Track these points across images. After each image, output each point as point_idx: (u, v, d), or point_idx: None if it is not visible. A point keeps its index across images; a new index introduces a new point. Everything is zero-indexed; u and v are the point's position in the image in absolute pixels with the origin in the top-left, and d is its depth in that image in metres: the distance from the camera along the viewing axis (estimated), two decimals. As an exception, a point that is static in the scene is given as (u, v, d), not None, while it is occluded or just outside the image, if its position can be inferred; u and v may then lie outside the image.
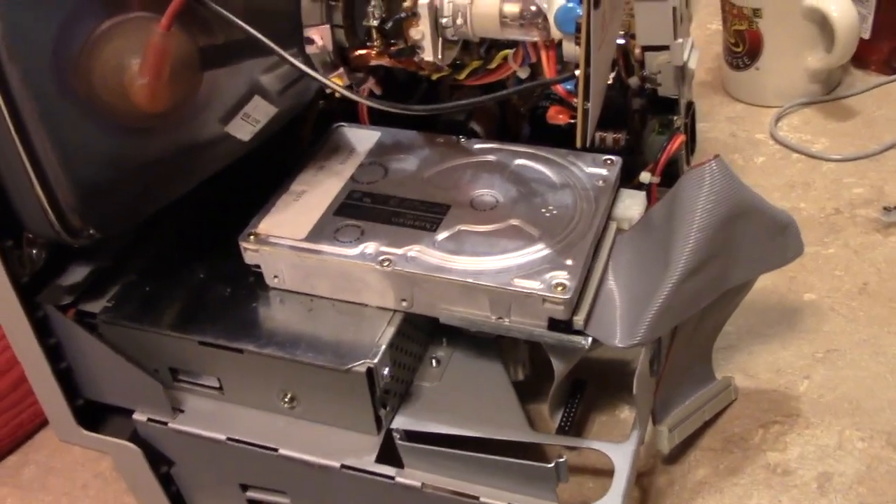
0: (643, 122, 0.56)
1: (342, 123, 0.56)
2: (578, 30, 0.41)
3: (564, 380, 0.50)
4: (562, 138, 0.52)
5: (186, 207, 0.54)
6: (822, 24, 0.70)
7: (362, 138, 0.55)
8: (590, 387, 0.54)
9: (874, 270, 0.59)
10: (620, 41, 0.53)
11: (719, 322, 0.52)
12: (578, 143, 0.43)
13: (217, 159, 0.47)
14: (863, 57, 0.76)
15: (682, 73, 0.53)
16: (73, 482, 0.57)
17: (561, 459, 0.43)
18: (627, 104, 0.55)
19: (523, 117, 0.58)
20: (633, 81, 0.54)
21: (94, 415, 0.51)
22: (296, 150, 0.56)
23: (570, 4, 0.41)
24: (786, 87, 0.74)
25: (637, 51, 0.54)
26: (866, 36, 0.74)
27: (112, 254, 0.50)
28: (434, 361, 0.50)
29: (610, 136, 0.56)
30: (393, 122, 0.56)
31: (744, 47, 0.74)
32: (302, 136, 0.58)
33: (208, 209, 0.54)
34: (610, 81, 0.54)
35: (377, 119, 0.56)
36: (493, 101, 0.47)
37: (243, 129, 0.46)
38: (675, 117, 0.54)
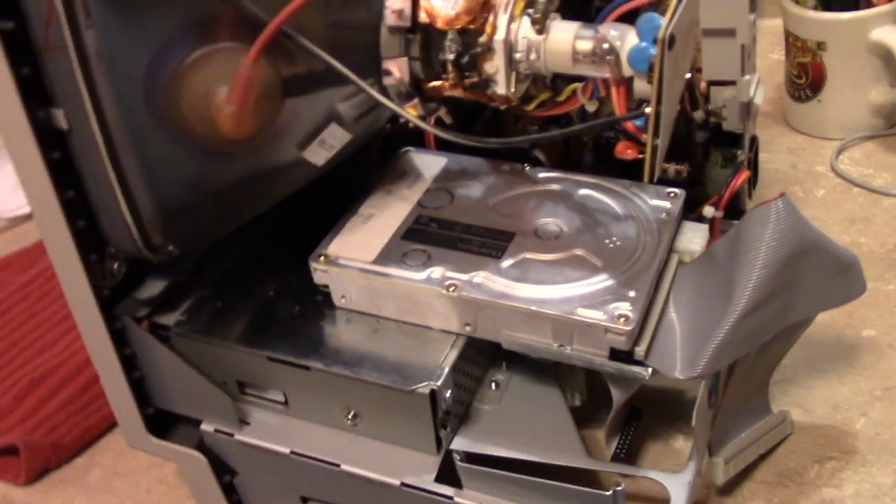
0: (706, 155, 0.57)
1: (409, 148, 0.57)
2: (651, 69, 0.42)
3: (622, 408, 0.51)
4: (624, 168, 0.53)
5: (257, 225, 0.56)
6: (887, 58, 0.70)
7: (429, 163, 0.56)
8: (645, 415, 0.54)
9: (935, 309, 0.59)
10: (687, 75, 0.54)
11: (778, 357, 0.52)
12: (646, 179, 0.44)
13: (291, 183, 0.49)
14: (927, 92, 0.75)
15: (747, 108, 0.54)
16: (137, 486, 0.59)
17: (619, 488, 0.44)
18: (691, 137, 0.56)
19: (586, 147, 0.59)
20: (698, 115, 0.55)
21: (162, 423, 0.53)
22: (362, 171, 0.58)
23: (644, 44, 0.42)
24: (848, 121, 0.74)
25: (702, 84, 0.55)
26: (931, 71, 0.74)
27: (186, 269, 0.52)
28: (493, 384, 0.51)
29: (672, 168, 0.57)
30: (459, 147, 0.57)
31: (806, 79, 0.74)
32: (368, 158, 0.60)
33: (278, 228, 0.56)
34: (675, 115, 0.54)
35: (443, 144, 0.58)
36: (565, 135, 0.48)
37: (318, 155, 0.47)
38: (739, 151, 0.55)
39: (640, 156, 0.44)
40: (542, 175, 0.54)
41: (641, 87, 0.43)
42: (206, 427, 0.51)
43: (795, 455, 0.52)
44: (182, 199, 0.45)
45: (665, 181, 0.55)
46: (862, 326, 0.59)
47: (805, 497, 0.50)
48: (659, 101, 0.41)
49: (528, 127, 0.59)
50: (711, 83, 0.54)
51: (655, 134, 0.41)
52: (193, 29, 0.41)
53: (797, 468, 0.52)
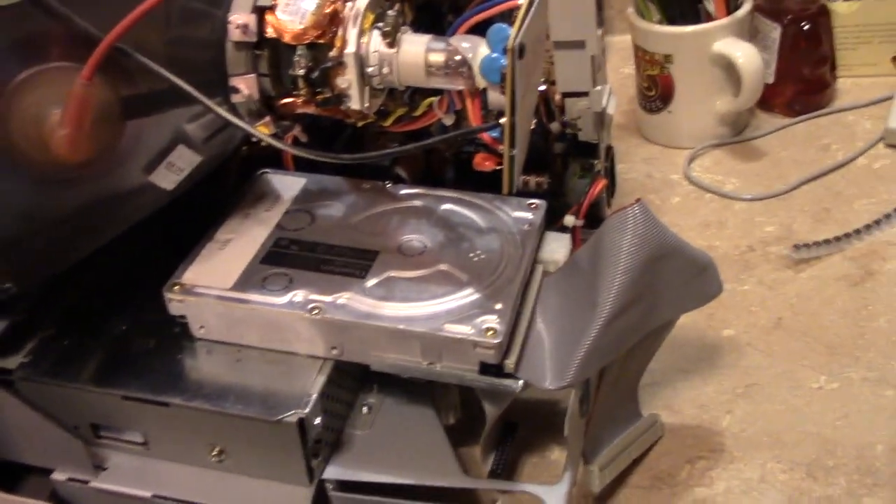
0: (565, 166, 0.58)
1: (267, 170, 0.55)
2: (503, 79, 0.42)
3: (496, 423, 0.51)
4: (486, 183, 0.53)
5: (107, 254, 0.52)
6: (730, 69, 0.73)
7: (288, 185, 0.54)
8: (520, 428, 0.54)
9: (787, 305, 0.62)
10: (541, 87, 0.54)
11: (644, 361, 0.53)
12: (505, 190, 0.44)
13: (140, 209, 0.47)
14: (768, 100, 0.79)
15: (601, 118, 0.55)
16: (-15, 547, 0.54)
17: (496, 504, 0.43)
18: (549, 148, 0.56)
19: (448, 162, 0.59)
20: (555, 126, 0.55)
21: (10, 476, 0.49)
22: (219, 195, 0.56)
23: (495, 55, 0.42)
24: (697, 130, 0.77)
25: (557, 97, 0.56)
26: (770, 80, 0.77)
27: (27, 306, 0.49)
28: (365, 408, 0.50)
29: (533, 180, 0.57)
30: (318, 167, 0.56)
31: (656, 91, 0.76)
32: (225, 182, 0.58)
33: (130, 256, 0.53)
34: (532, 127, 0.55)
35: (302, 165, 0.56)
36: (420, 149, 0.48)
37: (167, 179, 0.45)
38: (596, 161, 0.56)
39: (498, 167, 0.44)
40: (403, 192, 0.53)
41: (495, 98, 0.43)
42: (57, 476, 0.47)
43: (667, 457, 0.53)
44: (16, 232, 0.42)
45: (526, 193, 0.55)
46: (722, 327, 0.61)
47: (678, 498, 0.51)
48: (513, 112, 0.40)
49: (389, 144, 0.58)
50: (565, 95, 0.55)
51: (511, 144, 0.41)
52: (18, 48, 0.38)
53: (669, 470, 0.52)
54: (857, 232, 0.66)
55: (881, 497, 0.49)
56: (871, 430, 0.53)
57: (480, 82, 0.43)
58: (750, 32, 0.76)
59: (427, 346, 0.45)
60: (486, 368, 0.45)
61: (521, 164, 0.44)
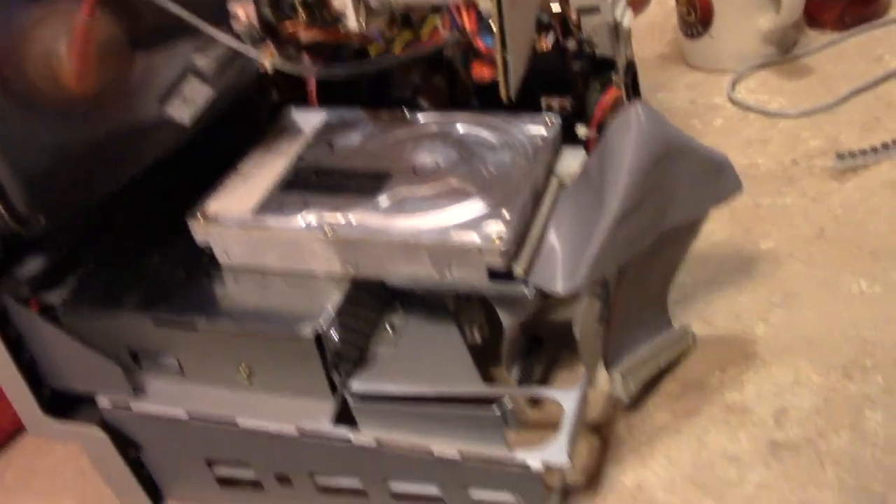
0: (586, 85, 0.57)
1: (291, 105, 0.57)
2: (490, -16, 0.42)
3: (518, 335, 0.51)
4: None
5: (144, 195, 0.55)
6: (769, -16, 0.71)
7: (310, 119, 0.56)
8: (552, 346, 0.54)
9: (831, 216, 0.60)
10: (556, 8, 0.54)
11: (669, 269, 0.52)
12: (503, 96, 0.44)
13: (161, 143, 0.49)
14: (816, 16, 0.76)
15: (616, 32, 0.54)
16: (53, 481, 0.58)
17: (504, 401, 0.43)
18: (567, 67, 0.56)
19: (471, 91, 0.59)
20: (571, 44, 0.55)
21: (63, 405, 0.52)
22: (251, 137, 0.58)
23: (481, -41, 0.42)
24: (740, 51, 0.75)
25: (574, 15, 0.55)
26: (817, -5, 0.75)
27: (69, 244, 0.52)
28: (390, 327, 0.51)
29: (556, 102, 0.57)
30: (344, 103, 0.57)
31: (696, 15, 0.74)
32: (257, 125, 0.60)
33: (166, 197, 0.55)
34: (549, 47, 0.55)
35: (328, 101, 0.58)
36: (395, 64, 0.49)
37: (182, 112, 0.47)
38: (615, 75, 0.55)
39: (496, 77, 0.44)
40: (421, 117, 0.54)
41: (485, 5, 0.43)
42: (102, 402, 0.50)
43: (698, 366, 0.52)
44: (43, 165, 0.44)
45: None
46: (760, 240, 0.59)
47: (708, 403, 0.50)
48: (500, 15, 0.41)
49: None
50: (580, 11, 0.55)
51: (503, 47, 0.42)
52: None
53: (700, 378, 0.52)
54: (907, 138, 0.63)
55: (920, 393, 0.48)
56: (914, 329, 0.51)
57: (471, -9, 0.44)
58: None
59: (436, 256, 0.45)
60: (495, 275, 0.45)
61: (518, 72, 0.44)
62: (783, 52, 0.75)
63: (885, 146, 0.62)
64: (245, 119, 0.59)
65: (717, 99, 0.74)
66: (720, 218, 0.61)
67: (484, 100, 0.59)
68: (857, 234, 0.58)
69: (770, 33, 0.74)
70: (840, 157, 0.62)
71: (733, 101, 0.72)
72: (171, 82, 0.46)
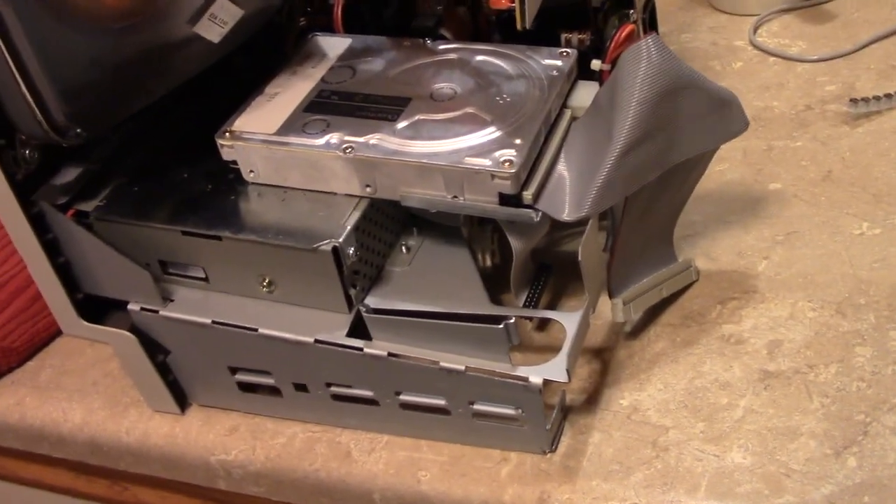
0: (605, 21, 0.58)
1: (317, 33, 0.59)
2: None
3: (527, 261, 0.53)
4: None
5: (177, 114, 0.58)
6: (797, -72, 0.71)
7: (335, 45, 0.58)
8: (561, 274, 0.56)
9: (839, 159, 0.61)
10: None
11: (676, 203, 0.54)
12: (518, 25, 0.45)
13: (192, 60, 0.51)
14: (843, -38, 0.76)
15: (635, -33, 0.55)
16: (84, 381, 0.62)
17: (510, 321, 0.46)
18: (587, 2, 0.57)
19: (494, 24, 0.61)
20: (591, -21, 0.56)
21: (96, 309, 0.55)
22: (278, 62, 0.60)
23: None
24: (765, -5, 0.75)
25: (595, -50, 0.56)
26: (845, -60, 0.75)
27: (103, 156, 0.54)
28: (404, 248, 0.53)
29: (575, 37, 0.58)
30: (368, 31, 0.59)
31: (722, -43, 0.75)
32: (285, 51, 0.62)
33: (197, 116, 0.58)
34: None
35: (353, 29, 0.59)
36: None
37: (212, 31, 0.49)
38: (632, 11, 0.56)
39: (513, 4, 0.45)
40: (441, 47, 0.56)
41: (505, -67, 0.44)
42: (132, 307, 0.53)
43: (699, 299, 0.55)
44: (80, 78, 0.47)
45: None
46: (769, 181, 0.61)
47: (706, 334, 0.52)
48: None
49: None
50: (602, -53, 0.56)
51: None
52: None
53: (700, 310, 0.54)
54: (922, 86, 0.64)
55: (909, 331, 0.50)
56: (909, 271, 0.53)
57: (492, -79, 0.45)
58: None
59: (449, 179, 0.48)
60: (505, 200, 0.47)
61: (534, 1, 0.45)
62: (808, -4, 0.76)
63: (900, 93, 0.63)
64: (273, 45, 0.61)
65: (739, 42, 0.74)
66: (733, 158, 0.63)
67: (505, 33, 0.60)
68: (863, 177, 0.59)
69: (795, -23, 0.74)
70: (853, 102, 0.63)
71: (754, 45, 0.73)
72: (202, 2, 0.48)
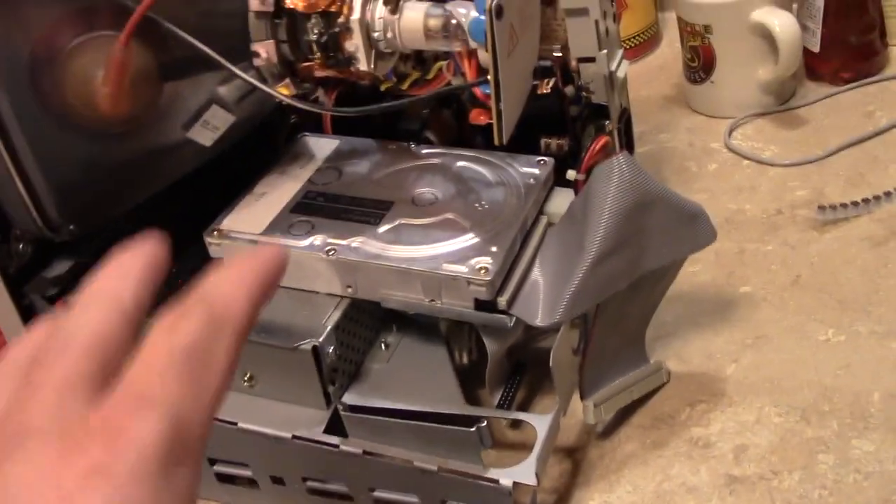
0: (583, 129, 0.61)
1: (306, 133, 0.61)
2: (489, 39, 0.46)
3: (502, 361, 0.55)
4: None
5: (169, 210, 0.59)
6: (770, 38, 0.74)
7: (323, 146, 0.60)
8: (536, 373, 0.58)
9: (807, 264, 0.63)
10: (558, 54, 0.58)
11: (647, 309, 0.56)
12: (496, 141, 0.48)
13: (184, 163, 0.53)
14: (815, 70, 0.80)
15: (610, 81, 0.58)
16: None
17: (482, 424, 0.47)
18: (565, 111, 0.60)
19: (478, 128, 0.63)
20: (569, 90, 0.59)
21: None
22: (271, 160, 0.62)
23: (482, 17, 0.46)
24: (740, 99, 0.78)
25: (573, 63, 0.59)
26: (816, 49, 0.78)
27: (95, 249, 0.56)
28: (384, 345, 0.55)
29: (554, 143, 0.61)
30: (356, 132, 0.61)
31: (699, 62, 0.78)
32: (276, 148, 0.64)
33: (189, 212, 0.59)
34: (548, 90, 0.59)
35: (340, 130, 0.62)
36: (404, 106, 0.53)
37: (204, 135, 0.51)
38: (607, 122, 0.59)
39: (491, 121, 0.48)
40: (425, 151, 0.58)
41: (483, 57, 0.47)
42: (116, 397, 0.54)
43: (670, 401, 0.56)
44: (75, 179, 0.49)
45: (548, 154, 0.59)
46: (740, 284, 0.63)
47: (676, 437, 0.54)
48: (496, 68, 0.45)
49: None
50: (579, 60, 0.59)
51: (497, 99, 0.46)
52: (72, 18, 0.45)
53: (671, 412, 0.55)
54: (888, 194, 0.66)
55: (871, 439, 0.51)
56: (872, 379, 0.54)
57: (473, 44, 0.48)
58: (794, 0, 0.77)
59: (427, 283, 0.49)
60: (481, 305, 0.49)
61: (511, 119, 0.48)
62: (781, 101, 0.79)
63: (866, 201, 0.66)
64: (266, 143, 0.63)
65: (714, 144, 0.77)
66: (705, 260, 0.65)
67: (488, 137, 0.63)
68: (830, 283, 0.61)
69: (769, 83, 0.77)
70: (821, 209, 0.66)
71: (729, 147, 0.76)
72: (196, 109, 0.50)
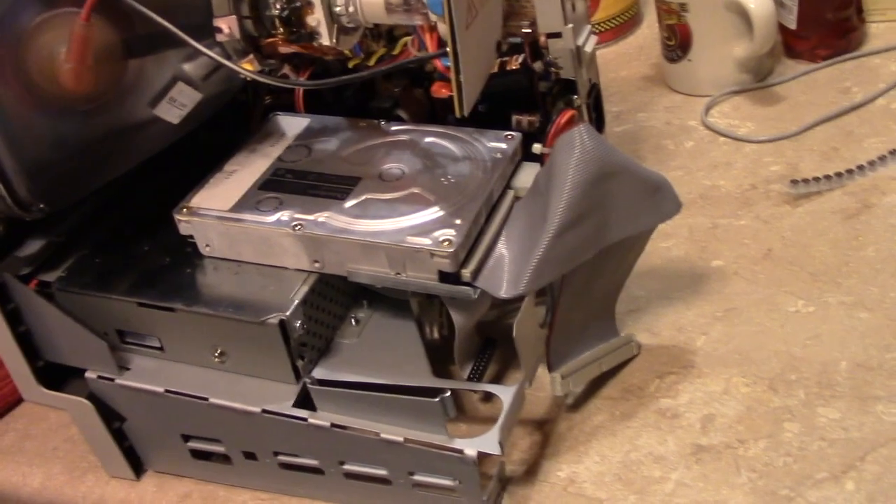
0: (553, 104, 0.61)
1: (278, 112, 0.62)
2: (448, 11, 0.46)
3: (472, 335, 0.55)
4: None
5: (140, 189, 0.60)
6: (745, 15, 0.74)
7: (294, 124, 0.60)
8: (510, 348, 0.58)
9: (779, 238, 0.63)
10: (527, 30, 0.58)
11: (616, 281, 0.56)
12: (457, 114, 0.48)
13: (152, 140, 0.53)
14: (793, 47, 0.80)
15: (577, 56, 0.58)
16: (45, 445, 0.63)
17: (446, 395, 0.48)
18: (534, 87, 0.60)
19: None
20: (538, 66, 0.59)
21: (56, 377, 0.57)
22: (244, 139, 0.62)
23: (439, -11, 0.46)
24: (717, 77, 0.78)
25: (542, 38, 0.60)
26: (793, 26, 0.78)
27: (66, 229, 0.57)
28: (354, 321, 0.55)
29: (525, 119, 0.61)
30: (329, 111, 0.61)
31: (676, 41, 0.78)
32: (250, 128, 0.64)
33: (160, 191, 0.60)
34: (518, 66, 0.59)
35: (314, 109, 0.62)
36: (360, 79, 0.53)
37: (171, 113, 0.52)
38: (576, 97, 0.59)
39: (452, 94, 0.48)
40: (394, 128, 0.58)
41: (443, 29, 0.47)
42: (90, 375, 0.55)
43: (639, 373, 0.56)
44: (44, 157, 0.49)
45: (520, 131, 0.59)
46: (712, 258, 0.63)
47: (644, 408, 0.54)
48: (454, 40, 0.45)
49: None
50: (548, 36, 0.59)
51: (457, 71, 0.46)
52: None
53: (640, 384, 0.56)
54: (861, 168, 0.66)
55: (836, 407, 0.51)
56: (840, 348, 0.54)
57: (432, 17, 0.48)
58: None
59: (392, 256, 0.50)
60: (445, 277, 0.50)
61: (472, 92, 0.48)
62: (758, 79, 0.79)
63: (839, 175, 0.66)
64: (239, 121, 0.64)
65: (692, 122, 0.77)
66: (679, 235, 0.65)
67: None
68: (801, 255, 0.61)
69: (745, 61, 0.77)
70: (794, 182, 0.66)
71: (706, 125, 0.76)
72: (162, 86, 0.50)
